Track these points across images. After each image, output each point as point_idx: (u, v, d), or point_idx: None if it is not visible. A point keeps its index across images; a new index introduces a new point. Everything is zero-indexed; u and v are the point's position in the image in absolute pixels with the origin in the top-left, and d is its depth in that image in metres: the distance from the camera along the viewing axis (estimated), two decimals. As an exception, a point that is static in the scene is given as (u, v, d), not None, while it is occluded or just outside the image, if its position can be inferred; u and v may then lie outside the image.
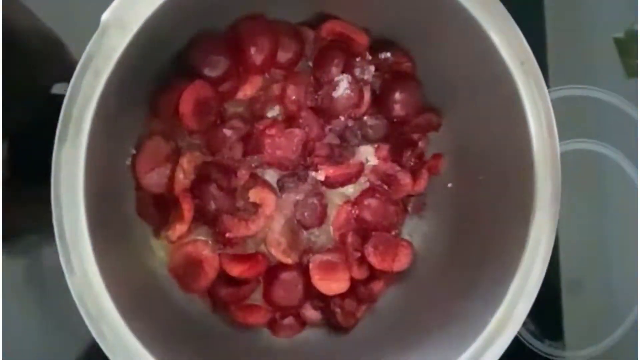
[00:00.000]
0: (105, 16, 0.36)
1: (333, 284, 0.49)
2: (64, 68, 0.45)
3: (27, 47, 0.52)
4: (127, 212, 0.47)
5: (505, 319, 0.41)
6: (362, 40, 0.49)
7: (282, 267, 0.49)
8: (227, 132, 0.47)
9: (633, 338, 0.52)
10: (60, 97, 0.36)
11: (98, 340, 0.35)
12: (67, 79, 0.36)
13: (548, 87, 0.40)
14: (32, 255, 0.51)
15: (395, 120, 0.51)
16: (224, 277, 0.48)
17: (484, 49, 0.41)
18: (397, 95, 0.50)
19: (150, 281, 0.46)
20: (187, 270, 0.47)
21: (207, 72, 0.45)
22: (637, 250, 0.52)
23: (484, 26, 0.40)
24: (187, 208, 0.46)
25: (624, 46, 0.51)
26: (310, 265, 0.49)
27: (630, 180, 0.54)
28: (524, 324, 0.40)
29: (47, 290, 0.50)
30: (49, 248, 0.47)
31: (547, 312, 0.50)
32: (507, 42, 0.41)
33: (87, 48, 0.35)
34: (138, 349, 0.36)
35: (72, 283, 0.35)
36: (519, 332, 0.39)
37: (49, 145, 0.36)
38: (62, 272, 0.36)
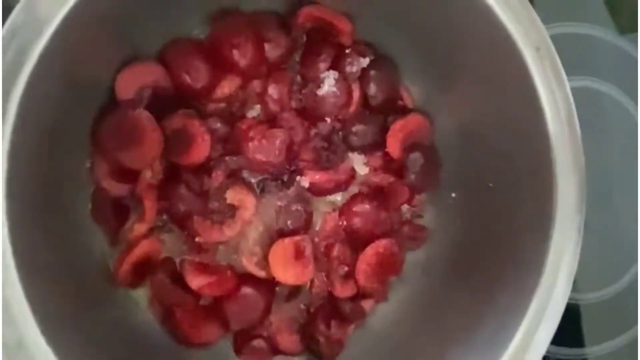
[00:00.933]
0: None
1: (291, 272, 0.42)
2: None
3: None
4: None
5: (523, 347, 0.34)
6: (345, 27, 0.43)
7: (247, 280, 0.42)
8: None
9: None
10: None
11: None
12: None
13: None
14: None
15: (373, 107, 0.45)
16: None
17: (497, 36, 0.36)
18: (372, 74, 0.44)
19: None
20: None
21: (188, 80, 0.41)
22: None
23: (497, 12, 0.35)
24: (150, 206, 0.41)
25: (614, 3, 0.46)
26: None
27: (630, 117, 0.51)
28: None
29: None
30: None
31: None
32: (522, 28, 0.35)
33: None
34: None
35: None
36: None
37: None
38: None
